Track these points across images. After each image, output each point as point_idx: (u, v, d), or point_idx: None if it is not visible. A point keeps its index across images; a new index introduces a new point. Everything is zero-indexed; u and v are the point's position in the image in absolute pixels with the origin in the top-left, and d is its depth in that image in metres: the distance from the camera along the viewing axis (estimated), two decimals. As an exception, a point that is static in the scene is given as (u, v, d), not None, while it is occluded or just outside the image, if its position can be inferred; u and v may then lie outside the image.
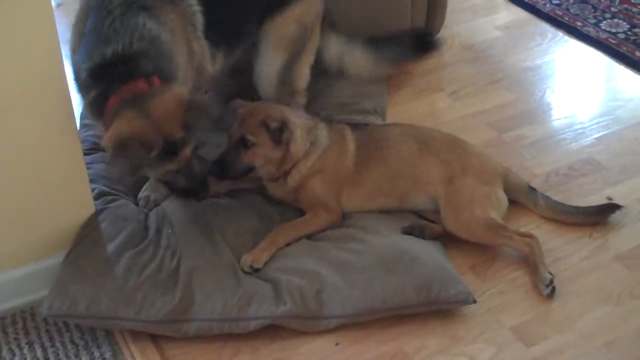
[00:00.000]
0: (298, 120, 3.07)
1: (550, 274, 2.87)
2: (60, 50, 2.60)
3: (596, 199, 3.29)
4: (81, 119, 3.57)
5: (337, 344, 2.73)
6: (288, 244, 2.97)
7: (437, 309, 2.80)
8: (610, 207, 3.19)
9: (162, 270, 2.80)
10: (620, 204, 3.19)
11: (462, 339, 2.75)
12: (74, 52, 2.80)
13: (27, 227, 2.82)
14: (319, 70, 3.72)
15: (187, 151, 2.74)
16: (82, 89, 2.76)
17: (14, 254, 2.83)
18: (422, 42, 3.97)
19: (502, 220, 3.07)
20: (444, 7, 4.35)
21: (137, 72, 2.66)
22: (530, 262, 2.96)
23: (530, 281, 2.94)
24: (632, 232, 3.18)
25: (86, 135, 3.44)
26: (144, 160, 2.63)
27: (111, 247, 2.86)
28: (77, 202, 2.91)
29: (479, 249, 3.07)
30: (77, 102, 3.47)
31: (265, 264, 2.88)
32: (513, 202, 3.20)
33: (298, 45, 3.41)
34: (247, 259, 2.87)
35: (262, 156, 3.01)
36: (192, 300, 2.72)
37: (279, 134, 2.97)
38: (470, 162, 3.13)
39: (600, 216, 3.19)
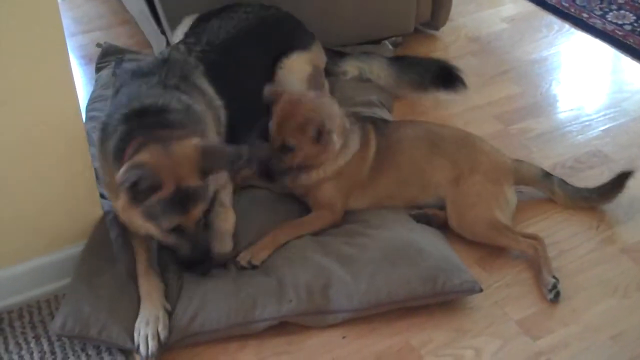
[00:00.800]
0: (334, 121, 3.01)
1: (555, 277, 2.85)
2: (65, 43, 2.59)
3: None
4: (86, 111, 3.58)
5: (343, 338, 2.73)
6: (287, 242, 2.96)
7: (444, 300, 2.80)
8: (622, 177, 3.16)
9: (170, 293, 2.79)
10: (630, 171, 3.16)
11: (468, 331, 2.75)
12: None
13: (33, 222, 2.81)
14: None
15: (197, 209, 2.66)
16: (109, 130, 2.79)
17: (20, 249, 2.83)
18: (448, 74, 3.84)
19: (510, 218, 3.08)
20: (450, -1, 4.33)
21: (167, 123, 2.73)
22: (535, 265, 2.95)
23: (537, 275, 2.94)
24: (638, 224, 3.18)
25: (91, 127, 3.43)
26: (153, 202, 2.59)
27: (122, 266, 2.85)
28: (83, 197, 2.89)
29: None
30: (83, 94, 3.50)
31: (263, 261, 2.87)
32: (522, 194, 3.20)
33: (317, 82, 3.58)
34: (245, 256, 2.87)
35: (301, 156, 2.99)
36: (195, 314, 2.71)
37: (318, 136, 2.95)
38: (479, 160, 3.12)
39: (616, 190, 3.17)
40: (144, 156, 2.58)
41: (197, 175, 2.61)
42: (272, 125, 2.98)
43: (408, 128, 3.26)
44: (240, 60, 3.31)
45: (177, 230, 2.67)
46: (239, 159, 2.71)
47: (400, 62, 3.93)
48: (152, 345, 2.60)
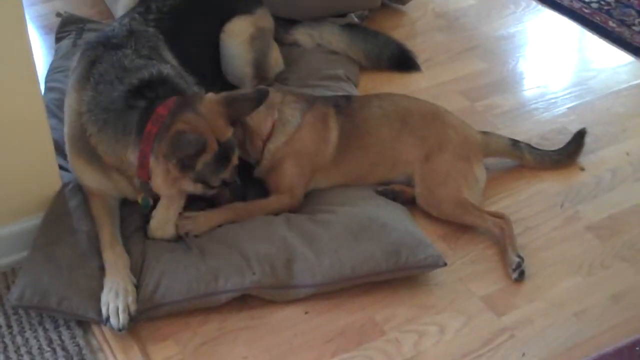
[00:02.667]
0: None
1: (520, 257, 2.85)
2: (23, 12, 2.53)
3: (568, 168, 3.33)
4: (45, 82, 3.51)
5: (306, 313, 2.71)
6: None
7: (408, 274, 2.78)
8: (579, 135, 3.34)
9: (134, 265, 2.73)
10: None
11: (432, 307, 2.74)
12: (79, 90, 2.85)
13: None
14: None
15: (235, 158, 2.80)
16: (116, 111, 2.74)
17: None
18: (405, 56, 3.96)
19: (478, 196, 3.08)
20: (418, -27, 4.31)
21: (177, 89, 2.80)
22: (500, 243, 2.94)
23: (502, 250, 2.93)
24: (604, 202, 3.19)
25: (50, 99, 3.36)
26: (202, 164, 2.67)
27: (82, 236, 2.80)
28: (41, 169, 2.84)
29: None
30: (42, 65, 3.42)
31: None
32: (488, 170, 3.19)
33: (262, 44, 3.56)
34: (186, 224, 2.83)
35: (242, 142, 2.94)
36: (157, 286, 2.67)
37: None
38: (448, 136, 3.10)
39: (579, 147, 3.34)
40: (180, 125, 2.63)
41: (229, 126, 2.75)
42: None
43: (374, 105, 3.17)
44: (190, 27, 3.30)
45: (225, 181, 2.80)
46: (261, 100, 2.79)
47: (354, 30, 3.96)
48: (123, 318, 2.56)
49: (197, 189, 2.77)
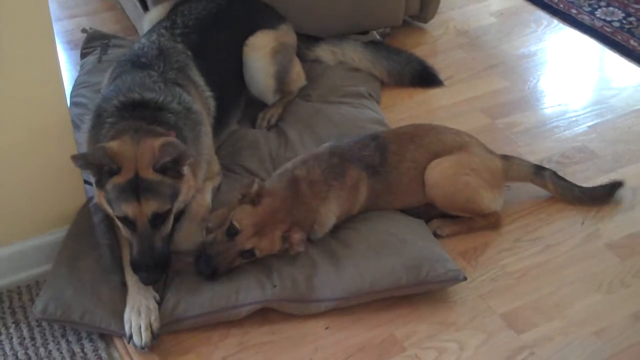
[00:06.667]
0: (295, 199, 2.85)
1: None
2: (52, 28, 2.59)
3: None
4: (70, 97, 3.55)
5: (327, 328, 2.72)
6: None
7: (428, 289, 2.80)
8: (614, 185, 3.22)
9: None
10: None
11: (452, 324, 2.74)
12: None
13: (15, 207, 2.79)
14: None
15: (149, 204, 2.60)
16: (103, 117, 2.80)
17: (1, 233, 2.80)
18: (426, 73, 3.98)
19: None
20: (439, -8, 4.33)
21: (159, 120, 2.79)
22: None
23: (522, 268, 2.95)
24: (624, 220, 3.18)
25: (75, 113, 3.39)
26: (110, 186, 2.60)
27: (106, 250, 2.82)
28: (66, 183, 2.87)
29: (470, 235, 3.07)
30: (67, 80, 3.46)
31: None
32: (508, 189, 3.21)
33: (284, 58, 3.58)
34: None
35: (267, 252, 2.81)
36: (178, 300, 2.69)
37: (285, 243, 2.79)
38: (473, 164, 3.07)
39: (606, 197, 3.23)
40: (113, 143, 2.63)
41: (154, 170, 2.60)
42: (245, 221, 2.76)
43: (408, 160, 3.04)
44: (215, 41, 3.36)
45: (129, 223, 2.63)
46: (187, 158, 2.66)
47: (377, 47, 4.00)
48: (146, 336, 2.58)
49: (110, 212, 2.69)
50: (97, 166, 2.59)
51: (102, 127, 2.79)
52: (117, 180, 2.59)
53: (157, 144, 2.62)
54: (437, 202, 3.03)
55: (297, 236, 2.76)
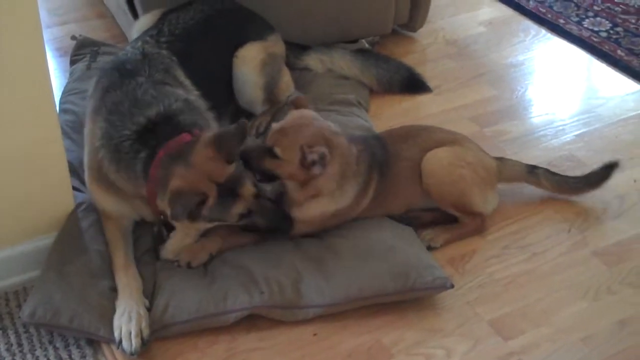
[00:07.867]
0: (340, 159, 2.86)
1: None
2: (42, 35, 2.59)
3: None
4: (60, 104, 3.55)
5: (315, 335, 2.72)
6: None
7: (415, 296, 2.80)
8: (609, 166, 3.22)
9: (146, 287, 2.76)
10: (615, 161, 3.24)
11: (440, 331, 2.75)
12: (94, 121, 2.89)
13: (2, 212, 2.78)
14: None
15: (248, 187, 2.73)
16: (124, 150, 2.78)
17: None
18: (415, 80, 4.01)
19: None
20: (428, 1, 4.34)
21: (180, 127, 2.79)
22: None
23: (510, 275, 2.96)
24: (611, 228, 3.20)
25: (64, 120, 3.40)
26: (206, 212, 2.66)
27: (95, 255, 2.83)
28: (56, 189, 2.88)
29: (458, 242, 3.08)
30: (56, 87, 3.46)
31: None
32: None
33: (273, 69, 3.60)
34: (185, 257, 2.84)
35: (281, 171, 2.83)
36: (166, 306, 2.69)
37: (310, 163, 2.77)
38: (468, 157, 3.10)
39: (602, 179, 3.23)
40: (175, 183, 2.63)
41: (225, 164, 2.68)
42: (277, 125, 2.85)
43: (404, 158, 3.07)
44: (202, 50, 3.34)
45: (244, 213, 2.74)
46: (243, 133, 2.72)
47: (366, 55, 4.02)
48: (136, 342, 2.58)
49: (215, 224, 2.80)
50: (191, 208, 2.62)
51: (134, 163, 2.75)
52: (210, 203, 2.65)
53: (206, 149, 2.66)
54: (433, 192, 3.04)
55: (318, 149, 2.75)
